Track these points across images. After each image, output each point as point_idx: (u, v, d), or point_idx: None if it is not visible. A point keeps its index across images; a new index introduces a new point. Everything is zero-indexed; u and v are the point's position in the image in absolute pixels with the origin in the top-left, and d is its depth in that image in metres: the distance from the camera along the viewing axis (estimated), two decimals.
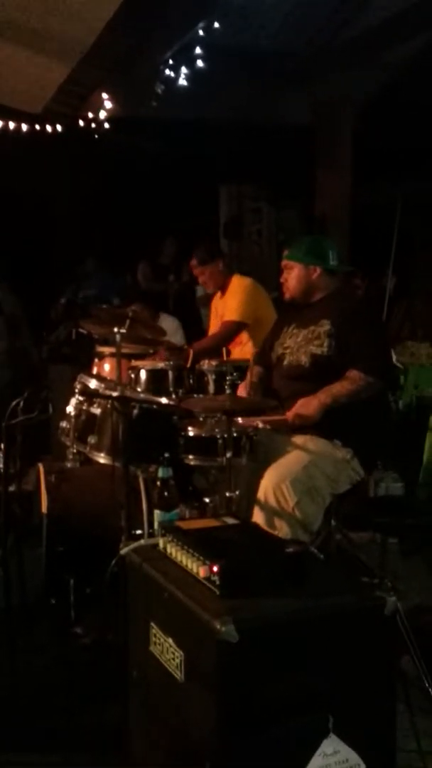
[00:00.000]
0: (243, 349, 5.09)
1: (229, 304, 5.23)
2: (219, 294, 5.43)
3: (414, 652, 3.16)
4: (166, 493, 2.78)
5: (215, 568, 2.12)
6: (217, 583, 2.11)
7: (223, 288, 5.35)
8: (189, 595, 2.11)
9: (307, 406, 3.56)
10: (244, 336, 5.16)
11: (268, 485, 3.40)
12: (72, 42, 6.41)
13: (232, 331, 5.14)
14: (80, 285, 9.55)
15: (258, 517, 3.36)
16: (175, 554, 2.33)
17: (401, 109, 8.35)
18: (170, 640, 2.19)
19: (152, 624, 2.30)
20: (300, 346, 3.75)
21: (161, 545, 2.43)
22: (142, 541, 2.53)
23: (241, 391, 3.87)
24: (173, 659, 2.16)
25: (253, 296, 5.24)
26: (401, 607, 3.17)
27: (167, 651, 2.20)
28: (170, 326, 6.23)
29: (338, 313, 3.69)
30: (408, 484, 5.12)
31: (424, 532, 4.43)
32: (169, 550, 2.38)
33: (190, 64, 7.52)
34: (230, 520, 2.60)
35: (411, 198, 7.51)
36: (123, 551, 2.52)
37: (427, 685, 3.09)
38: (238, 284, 5.29)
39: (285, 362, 3.81)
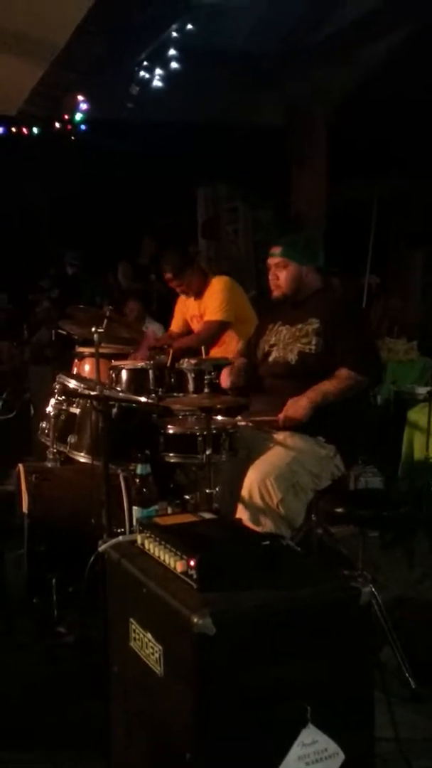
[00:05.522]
0: (225, 349, 5.08)
1: (209, 304, 5.18)
2: (192, 297, 5.36)
3: (393, 642, 3.21)
4: (144, 490, 2.80)
5: (192, 563, 2.13)
6: (195, 577, 2.12)
7: (199, 291, 5.28)
8: (167, 590, 2.12)
9: (297, 406, 3.55)
10: (226, 336, 5.15)
11: (252, 482, 3.40)
12: (44, 44, 6.41)
13: (215, 331, 5.11)
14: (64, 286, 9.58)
15: (243, 513, 3.36)
16: (153, 550, 2.34)
17: (375, 107, 8.39)
18: (149, 635, 2.20)
19: (131, 620, 2.31)
20: (287, 343, 3.75)
21: (139, 541, 2.44)
22: (120, 538, 2.54)
23: (225, 377, 3.88)
24: (152, 654, 2.17)
25: (233, 295, 5.22)
26: (380, 599, 3.24)
27: (146, 646, 2.21)
28: (158, 332, 6.28)
29: (326, 311, 3.70)
30: (387, 477, 5.19)
31: (404, 525, 4.49)
32: (147, 545, 2.39)
33: (165, 66, 7.53)
34: (207, 515, 2.61)
35: (386, 196, 7.57)
36: (101, 548, 2.53)
37: (406, 674, 3.14)
38: (218, 284, 5.23)
39: (271, 359, 3.81)
